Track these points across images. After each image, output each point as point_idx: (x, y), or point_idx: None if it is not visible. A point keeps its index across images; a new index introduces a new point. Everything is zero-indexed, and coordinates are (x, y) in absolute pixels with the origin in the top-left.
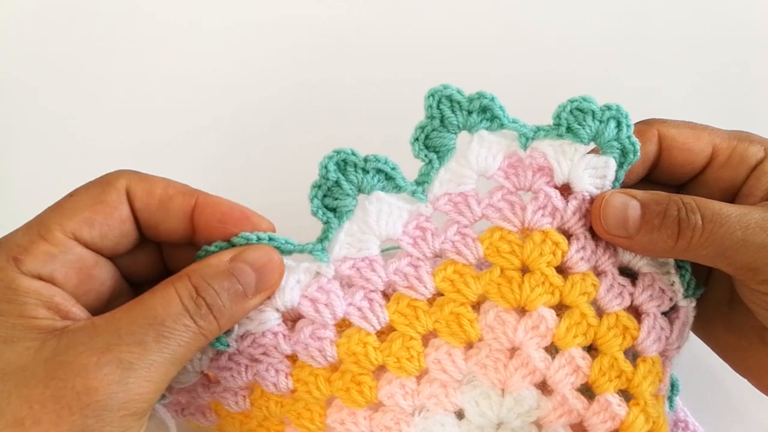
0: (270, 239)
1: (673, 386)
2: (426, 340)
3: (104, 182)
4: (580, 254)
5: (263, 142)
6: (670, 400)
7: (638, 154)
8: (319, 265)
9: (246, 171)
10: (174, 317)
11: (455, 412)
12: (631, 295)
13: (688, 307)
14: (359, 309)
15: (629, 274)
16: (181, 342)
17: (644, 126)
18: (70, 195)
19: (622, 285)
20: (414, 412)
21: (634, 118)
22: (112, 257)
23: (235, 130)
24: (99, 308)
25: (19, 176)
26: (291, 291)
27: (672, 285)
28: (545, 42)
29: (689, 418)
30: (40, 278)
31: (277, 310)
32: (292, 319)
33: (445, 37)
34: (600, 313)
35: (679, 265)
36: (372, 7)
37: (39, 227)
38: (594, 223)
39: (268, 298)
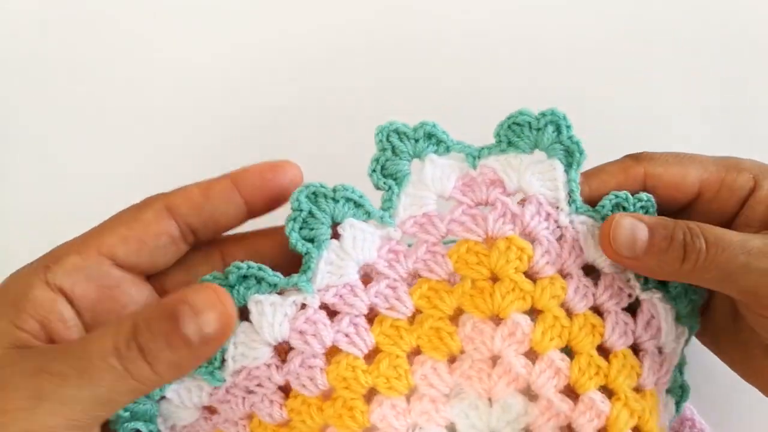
0: (259, 269)
1: (683, 391)
2: (411, 358)
3: (142, 203)
4: (545, 258)
5: (264, 146)
6: (678, 405)
7: (584, 152)
8: (304, 297)
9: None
10: (101, 355)
11: (446, 427)
12: (594, 295)
13: (650, 299)
14: (346, 335)
15: (590, 273)
16: (102, 382)
17: (631, 162)
18: (112, 216)
19: (587, 286)
20: (407, 431)
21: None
22: (151, 273)
23: (237, 132)
24: None
25: (19, 176)
26: (280, 326)
27: (628, 281)
28: (546, 51)
29: (695, 416)
30: (61, 290)
31: (269, 344)
32: (285, 350)
33: (446, 42)
34: (569, 314)
35: None
36: (375, 11)
37: (80, 241)
38: (603, 244)
39: (220, 346)
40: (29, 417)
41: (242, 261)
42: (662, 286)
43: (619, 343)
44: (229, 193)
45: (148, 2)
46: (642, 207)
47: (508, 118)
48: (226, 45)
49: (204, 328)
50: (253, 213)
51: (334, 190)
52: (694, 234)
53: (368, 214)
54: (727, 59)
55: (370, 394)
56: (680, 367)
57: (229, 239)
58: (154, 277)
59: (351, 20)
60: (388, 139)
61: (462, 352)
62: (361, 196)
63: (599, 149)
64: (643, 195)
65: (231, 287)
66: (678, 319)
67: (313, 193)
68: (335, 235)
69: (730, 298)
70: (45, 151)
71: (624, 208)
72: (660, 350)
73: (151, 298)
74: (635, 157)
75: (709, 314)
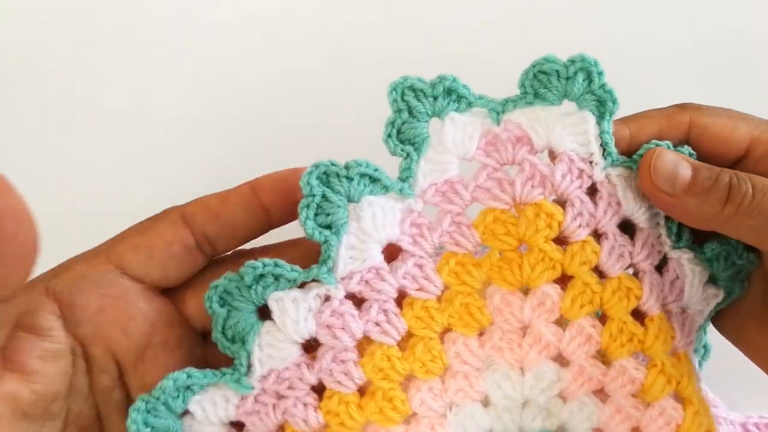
0: (275, 265)
1: (705, 351)
2: (441, 336)
3: (158, 214)
4: (577, 221)
5: (264, 140)
6: (699, 364)
7: (617, 101)
8: (327, 288)
9: (245, 171)
10: None
11: (481, 401)
12: (630, 254)
13: (678, 259)
14: (377, 324)
15: (626, 230)
16: None
17: (676, 110)
18: (128, 227)
19: (623, 245)
20: (445, 411)
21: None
22: (166, 285)
23: (237, 126)
24: (132, 347)
25: (18, 176)
26: (306, 322)
27: (659, 237)
28: (545, 50)
29: (708, 393)
30: (59, 298)
31: (296, 342)
32: (313, 347)
33: (447, 33)
34: (603, 276)
35: (667, 217)
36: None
37: (92, 251)
38: (642, 175)
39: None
40: None
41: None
42: (695, 246)
43: (655, 307)
44: (248, 200)
45: (149, 3)
46: (580, 70)
47: (534, 66)
48: (226, 45)
49: None
50: (274, 222)
51: (347, 167)
52: (741, 178)
53: (386, 188)
54: (727, 58)
55: (406, 381)
56: (704, 327)
57: (251, 252)
58: (172, 292)
59: (354, 18)
60: (403, 98)
61: (491, 324)
62: (376, 170)
63: None
64: (686, 148)
65: (248, 287)
66: (714, 281)
67: (325, 173)
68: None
69: (762, 279)
70: (45, 151)
71: (545, 73)
72: (683, 310)
73: (163, 311)
74: (681, 106)
75: (736, 298)
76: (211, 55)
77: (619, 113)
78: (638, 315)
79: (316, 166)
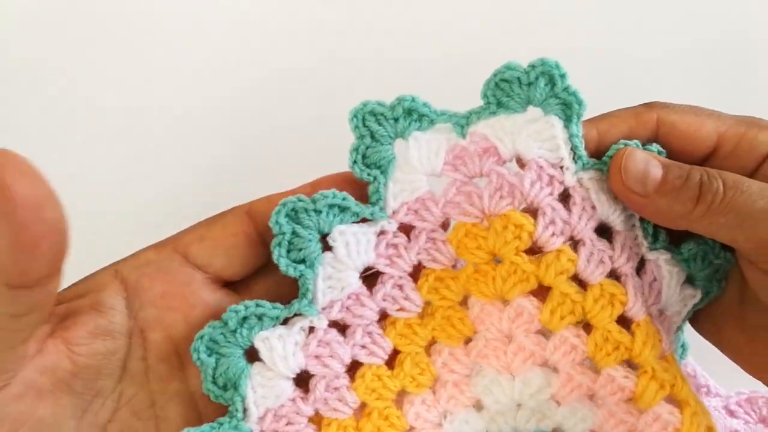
0: (257, 306)
1: (684, 350)
2: (427, 348)
3: (224, 211)
4: (549, 230)
5: (264, 140)
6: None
7: (583, 102)
8: (310, 320)
9: (246, 170)
10: None
11: (474, 406)
12: (611, 258)
13: (656, 260)
14: (363, 347)
15: (603, 234)
16: None
17: (643, 109)
18: (194, 223)
19: (602, 250)
20: (440, 420)
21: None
22: (230, 278)
23: (237, 126)
24: (192, 335)
25: None
26: (294, 356)
27: (636, 239)
28: (545, 50)
29: (710, 381)
30: (125, 280)
31: (288, 378)
32: (305, 379)
33: (447, 33)
34: (584, 285)
35: (642, 218)
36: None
37: (159, 242)
38: (612, 176)
39: None
40: None
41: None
42: (672, 247)
43: (641, 312)
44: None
45: (149, 4)
46: (541, 75)
47: (494, 75)
48: (226, 45)
49: None
50: None
51: (314, 201)
52: (711, 175)
53: (356, 215)
54: (727, 58)
55: (399, 397)
56: (681, 327)
57: None
58: (238, 285)
59: (355, 18)
60: (364, 124)
61: (475, 332)
62: (344, 198)
63: None
64: (654, 146)
65: (234, 332)
66: (691, 281)
67: (293, 209)
68: (326, 247)
69: (738, 276)
70: (44, 150)
71: (507, 81)
72: (661, 312)
73: (224, 303)
74: (648, 105)
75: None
76: (211, 55)
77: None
78: (623, 321)
79: (284, 204)
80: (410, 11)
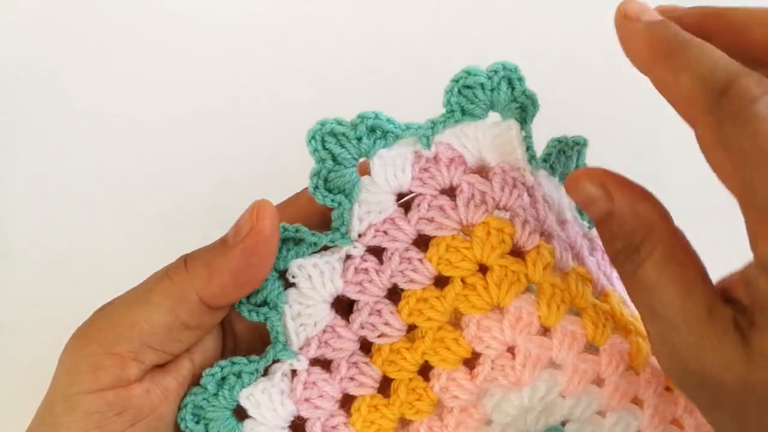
0: (232, 364)
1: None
2: (422, 374)
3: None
4: (527, 229)
5: (265, 139)
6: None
7: (537, 104)
8: (290, 363)
9: (245, 170)
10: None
11: (485, 422)
12: (572, 246)
13: (538, 178)
14: (352, 378)
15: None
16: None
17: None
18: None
19: (565, 240)
20: None
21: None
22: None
23: (237, 127)
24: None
25: (18, 176)
26: (283, 406)
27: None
28: (545, 50)
29: None
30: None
31: (282, 428)
32: (300, 424)
33: (447, 33)
34: (562, 275)
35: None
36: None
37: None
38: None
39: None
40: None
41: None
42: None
43: (603, 279)
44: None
45: (149, 5)
46: (503, 79)
47: (456, 82)
48: (226, 46)
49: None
50: None
51: None
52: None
53: (314, 245)
54: None
55: (402, 427)
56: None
57: None
58: None
59: (354, 18)
60: (324, 147)
61: (473, 353)
62: (297, 230)
63: (600, 147)
64: (497, 65)
65: (215, 395)
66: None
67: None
68: (289, 284)
69: None
70: (44, 153)
71: (470, 87)
72: (564, 222)
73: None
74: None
75: None
76: (211, 56)
77: (629, 110)
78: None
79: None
80: (411, 12)
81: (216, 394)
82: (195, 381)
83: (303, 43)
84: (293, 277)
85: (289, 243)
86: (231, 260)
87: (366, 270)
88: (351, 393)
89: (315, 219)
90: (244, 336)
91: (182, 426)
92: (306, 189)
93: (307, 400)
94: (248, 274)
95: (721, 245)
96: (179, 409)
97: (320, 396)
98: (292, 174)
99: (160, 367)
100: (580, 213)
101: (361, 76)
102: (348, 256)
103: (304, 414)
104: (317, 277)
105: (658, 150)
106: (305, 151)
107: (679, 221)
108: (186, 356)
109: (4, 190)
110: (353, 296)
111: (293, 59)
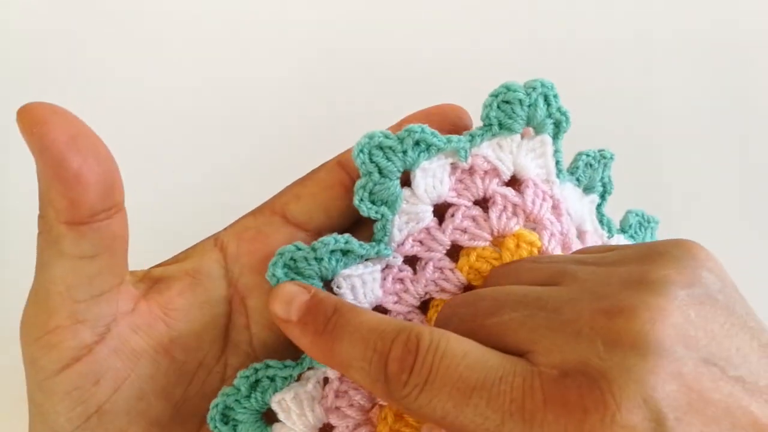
0: (267, 367)
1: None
2: None
3: (316, 168)
4: (552, 242)
5: (265, 139)
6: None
7: (569, 121)
8: (324, 371)
9: (245, 170)
10: None
11: None
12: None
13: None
14: None
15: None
16: None
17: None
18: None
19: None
20: None
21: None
22: (329, 232)
23: (237, 125)
24: None
25: (18, 176)
26: (313, 412)
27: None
28: (545, 50)
29: None
30: (224, 247)
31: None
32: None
33: (447, 33)
34: None
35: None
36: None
37: (256, 208)
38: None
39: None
40: None
41: None
42: (566, 174)
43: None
44: None
45: (149, 5)
46: (540, 96)
47: (496, 96)
48: (226, 44)
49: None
50: None
51: (314, 249)
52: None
53: (360, 257)
54: (727, 58)
55: None
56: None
57: None
58: None
59: (355, 18)
60: (371, 160)
61: None
62: (346, 242)
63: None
64: (535, 82)
65: (248, 397)
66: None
67: (292, 259)
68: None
69: None
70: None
71: (509, 103)
72: (583, 233)
73: None
74: None
75: None
76: (212, 53)
77: (632, 108)
78: None
79: (281, 254)
80: (410, 12)
81: (248, 397)
82: (175, 340)
83: (312, 30)
84: (338, 287)
85: (338, 254)
86: (50, 177)
87: (402, 279)
88: (381, 402)
89: (337, 189)
90: (258, 311)
91: (211, 426)
92: (322, 165)
93: (338, 408)
94: (71, 176)
95: (722, 245)
96: (209, 408)
97: (351, 405)
98: (291, 174)
99: (130, 328)
100: (601, 222)
101: (361, 76)
102: (387, 266)
103: (333, 421)
104: (360, 288)
105: (658, 150)
106: (304, 146)
107: (679, 221)
108: (160, 319)
109: (4, 190)
110: (390, 306)
111: (293, 56)
